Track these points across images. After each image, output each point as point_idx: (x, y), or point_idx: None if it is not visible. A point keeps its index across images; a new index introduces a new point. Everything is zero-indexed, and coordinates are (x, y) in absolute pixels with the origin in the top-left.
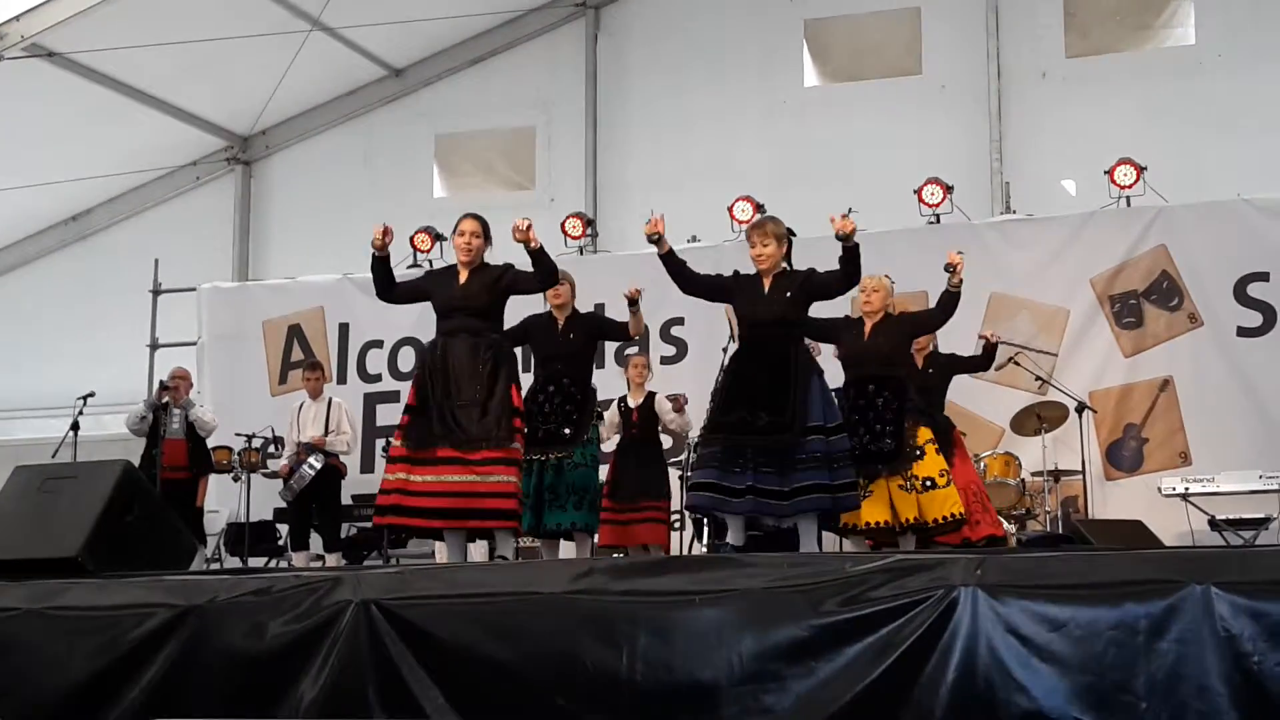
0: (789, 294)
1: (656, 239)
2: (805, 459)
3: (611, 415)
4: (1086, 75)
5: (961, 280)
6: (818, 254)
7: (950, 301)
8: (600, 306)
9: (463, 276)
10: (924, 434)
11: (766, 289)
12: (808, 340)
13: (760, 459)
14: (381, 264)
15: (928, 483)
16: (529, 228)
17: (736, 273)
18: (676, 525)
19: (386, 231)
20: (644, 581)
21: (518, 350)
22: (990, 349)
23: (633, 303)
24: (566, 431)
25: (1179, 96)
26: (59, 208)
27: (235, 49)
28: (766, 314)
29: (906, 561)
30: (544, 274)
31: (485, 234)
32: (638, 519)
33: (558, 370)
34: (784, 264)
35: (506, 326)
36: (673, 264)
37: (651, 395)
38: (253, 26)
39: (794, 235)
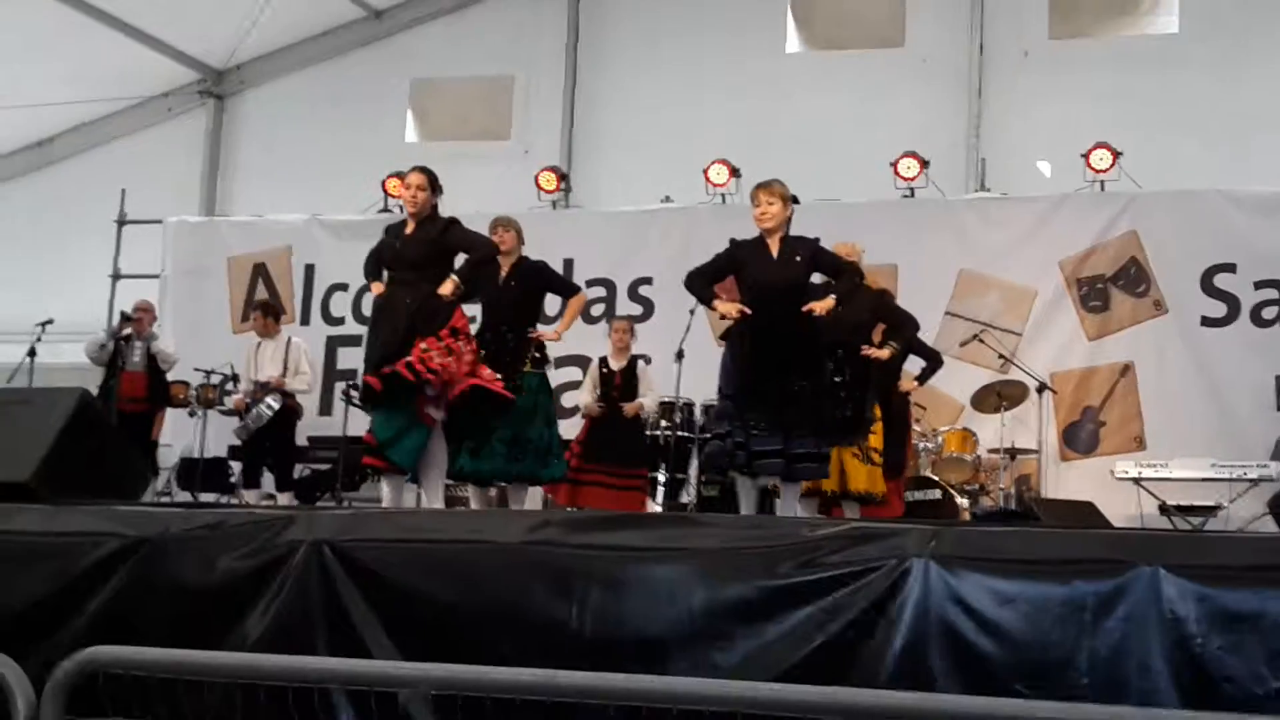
0: (799, 258)
1: None
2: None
3: (592, 373)
4: (1068, 57)
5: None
6: (797, 219)
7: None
8: (569, 261)
9: (409, 230)
10: (875, 410)
11: (775, 253)
12: None
13: (797, 424)
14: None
15: (873, 455)
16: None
17: (734, 241)
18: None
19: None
20: (599, 536)
21: None
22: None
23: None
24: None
25: (1159, 84)
26: (24, 132)
27: None
28: (779, 278)
29: (864, 529)
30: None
31: (432, 187)
32: (614, 485)
33: (497, 318)
34: (787, 228)
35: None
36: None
37: (635, 360)
38: None
39: (797, 201)
